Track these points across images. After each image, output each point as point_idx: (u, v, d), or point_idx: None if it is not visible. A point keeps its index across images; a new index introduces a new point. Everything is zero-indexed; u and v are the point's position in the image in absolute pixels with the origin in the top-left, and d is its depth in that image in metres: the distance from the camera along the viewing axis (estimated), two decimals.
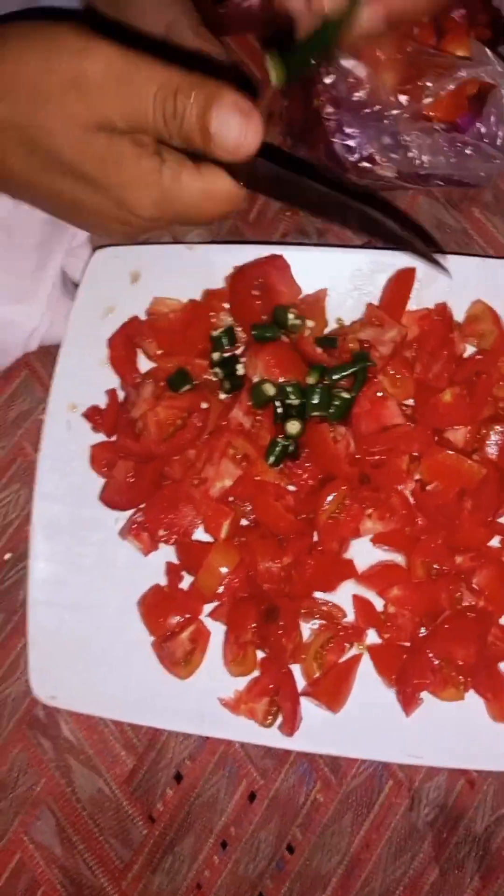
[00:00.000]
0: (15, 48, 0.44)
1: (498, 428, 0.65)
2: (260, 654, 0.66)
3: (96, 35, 0.43)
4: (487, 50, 0.60)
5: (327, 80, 0.69)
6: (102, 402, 0.71)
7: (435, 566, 0.65)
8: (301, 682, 0.65)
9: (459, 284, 0.69)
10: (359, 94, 0.66)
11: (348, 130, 0.70)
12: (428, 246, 0.48)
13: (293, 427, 0.65)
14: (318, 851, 0.67)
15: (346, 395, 0.66)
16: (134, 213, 0.46)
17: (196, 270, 0.71)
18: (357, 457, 0.66)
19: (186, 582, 0.68)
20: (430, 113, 0.64)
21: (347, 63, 0.66)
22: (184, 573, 0.68)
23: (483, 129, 0.62)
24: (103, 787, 0.68)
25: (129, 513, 0.69)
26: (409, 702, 0.63)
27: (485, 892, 0.66)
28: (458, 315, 0.70)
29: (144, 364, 0.71)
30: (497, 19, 0.67)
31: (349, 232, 0.76)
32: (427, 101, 0.62)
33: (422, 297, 0.70)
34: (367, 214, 0.48)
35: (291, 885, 0.67)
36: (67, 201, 0.47)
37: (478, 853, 0.66)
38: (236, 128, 0.41)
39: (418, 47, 0.63)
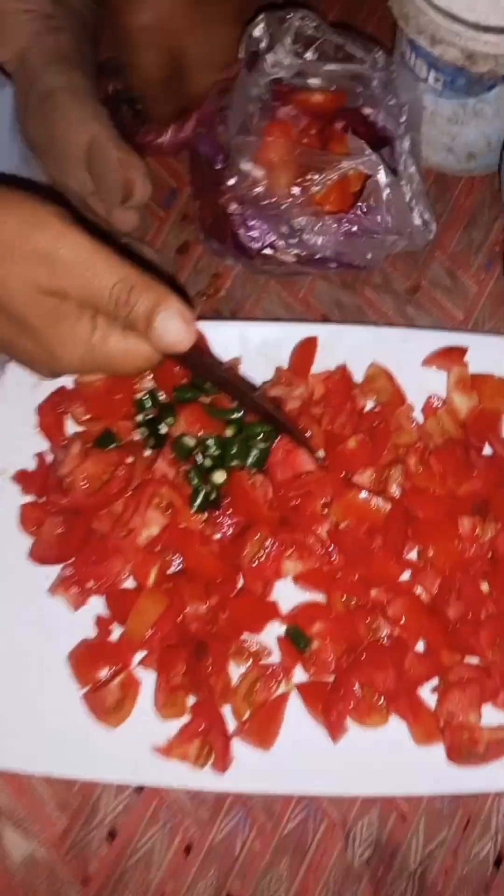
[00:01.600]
0: None
1: (399, 469, 0.72)
2: (191, 701, 0.68)
3: (73, 220, 0.53)
4: (364, 143, 0.72)
5: (230, 182, 0.80)
6: (31, 465, 0.74)
7: (352, 601, 0.70)
8: (232, 725, 0.67)
9: (356, 350, 0.78)
10: (257, 190, 0.76)
11: (251, 223, 0.79)
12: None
13: (219, 476, 0.70)
14: None
15: (261, 446, 0.72)
16: (60, 363, 0.55)
17: None
18: (275, 503, 0.71)
19: (116, 635, 0.70)
20: (321, 204, 0.75)
21: (246, 166, 0.77)
22: (113, 626, 0.70)
23: (364, 210, 0.72)
24: (36, 851, 0.66)
25: (58, 568, 0.71)
26: (335, 729, 0.65)
27: None
28: (357, 376, 0.78)
29: (72, 430, 0.76)
30: (373, 132, 0.80)
31: (259, 311, 0.85)
32: (315, 189, 0.72)
33: (324, 362, 0.78)
34: (257, 404, 0.64)
35: None
36: (1, 340, 0.55)
37: (414, 889, 0.67)
38: (176, 330, 0.52)
39: (306, 149, 0.74)
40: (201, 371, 0.58)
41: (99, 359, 0.54)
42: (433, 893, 0.67)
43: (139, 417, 0.74)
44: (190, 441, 0.71)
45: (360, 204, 0.72)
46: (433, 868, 0.68)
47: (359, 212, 0.72)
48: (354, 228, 0.73)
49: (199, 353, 0.55)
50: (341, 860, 0.67)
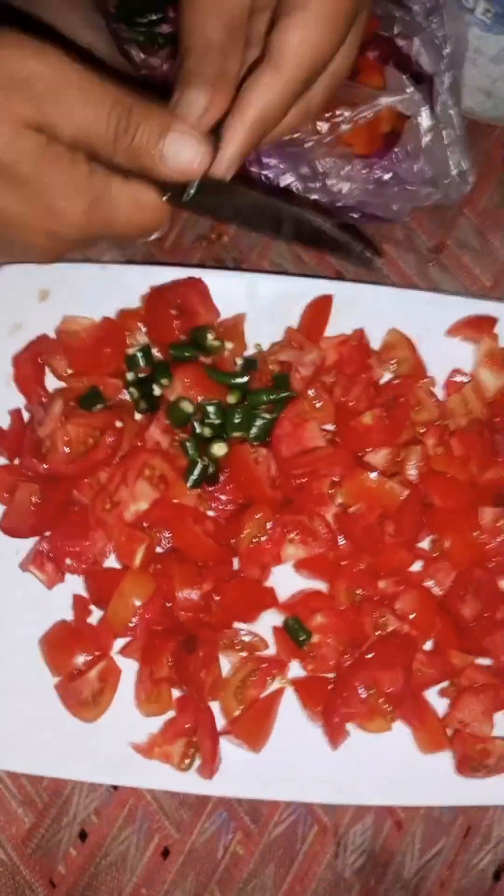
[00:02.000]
0: None
1: (417, 450, 0.65)
2: (176, 694, 0.61)
3: (48, 41, 0.43)
4: (406, 78, 0.63)
5: None
6: (4, 423, 0.66)
7: (358, 592, 0.63)
8: (220, 722, 0.61)
9: (374, 314, 0.70)
10: None
11: (266, 160, 0.70)
12: (362, 244, 0.49)
13: (219, 449, 0.63)
14: None
15: (267, 417, 0.64)
16: (63, 222, 0.45)
17: (109, 290, 0.68)
18: (278, 480, 0.64)
19: (95, 618, 0.63)
20: (349, 144, 0.66)
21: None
22: (92, 607, 0.63)
23: (400, 157, 0.64)
24: None
25: (32, 542, 0.63)
26: (335, 734, 0.59)
27: None
28: (374, 343, 0.70)
29: (52, 385, 0.67)
30: (408, 67, 0.70)
31: (265, 263, 0.76)
32: (345, 128, 0.63)
33: (338, 325, 0.70)
34: (302, 218, 0.49)
35: None
36: None
37: None
38: (190, 152, 0.44)
39: None
40: (223, 198, 0.48)
41: (105, 209, 0.45)
42: None
43: (130, 376, 0.66)
44: (187, 407, 0.63)
45: (396, 149, 0.63)
46: (429, 879, 0.63)
47: (394, 158, 0.64)
48: (387, 176, 0.65)
49: (213, 181, 0.46)
50: (331, 869, 0.63)
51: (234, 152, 0.47)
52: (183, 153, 0.44)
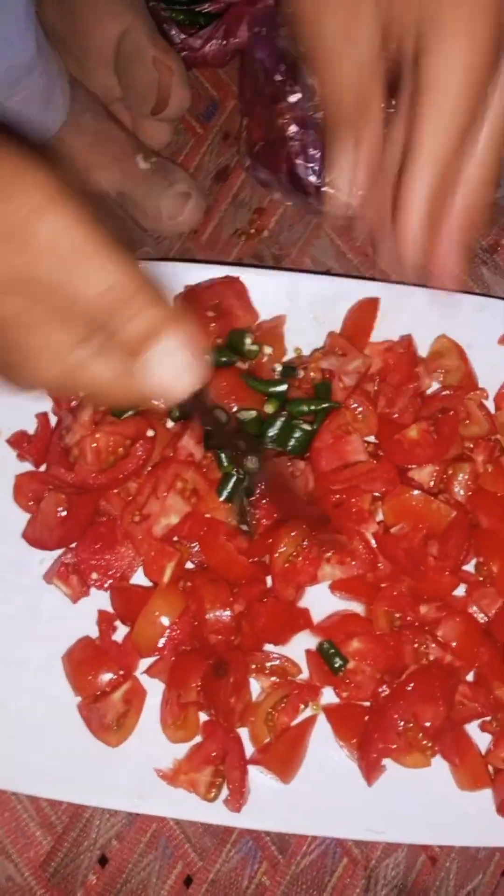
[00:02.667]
0: None
1: (465, 467, 0.61)
2: (203, 717, 0.59)
3: (64, 186, 0.36)
4: None
5: (292, 99, 0.66)
6: (31, 427, 0.63)
7: (398, 616, 0.60)
8: (248, 749, 0.58)
9: (421, 319, 0.66)
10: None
11: (313, 152, 0.66)
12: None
13: (252, 462, 0.59)
14: None
15: (306, 428, 0.60)
16: (28, 378, 0.40)
17: None
18: (316, 496, 0.61)
19: (120, 634, 0.60)
20: None
21: (313, 80, 0.63)
22: (118, 623, 0.60)
23: None
24: (14, 874, 0.58)
25: (57, 553, 0.61)
26: (371, 770, 0.56)
27: None
28: (421, 350, 0.66)
29: None
30: None
31: (307, 259, 0.72)
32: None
33: (383, 330, 0.66)
34: (277, 478, 0.51)
35: None
36: None
37: None
38: (175, 368, 0.37)
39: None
40: (204, 421, 0.47)
41: (79, 382, 0.39)
42: None
43: None
44: (222, 416, 0.60)
45: None
46: None
47: None
48: None
49: (201, 402, 0.44)
50: None
51: (421, 203, 0.41)
52: (168, 368, 0.37)
